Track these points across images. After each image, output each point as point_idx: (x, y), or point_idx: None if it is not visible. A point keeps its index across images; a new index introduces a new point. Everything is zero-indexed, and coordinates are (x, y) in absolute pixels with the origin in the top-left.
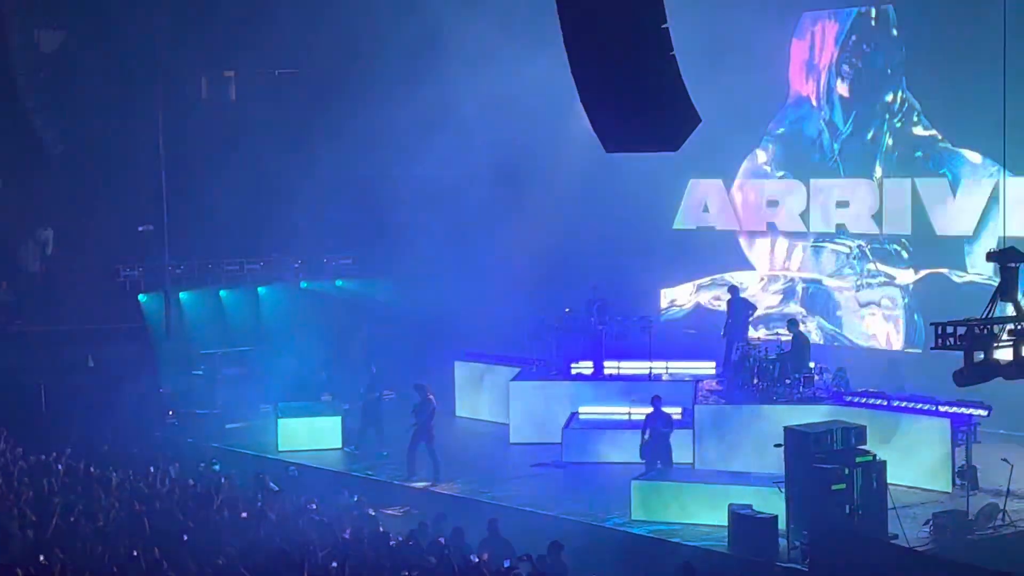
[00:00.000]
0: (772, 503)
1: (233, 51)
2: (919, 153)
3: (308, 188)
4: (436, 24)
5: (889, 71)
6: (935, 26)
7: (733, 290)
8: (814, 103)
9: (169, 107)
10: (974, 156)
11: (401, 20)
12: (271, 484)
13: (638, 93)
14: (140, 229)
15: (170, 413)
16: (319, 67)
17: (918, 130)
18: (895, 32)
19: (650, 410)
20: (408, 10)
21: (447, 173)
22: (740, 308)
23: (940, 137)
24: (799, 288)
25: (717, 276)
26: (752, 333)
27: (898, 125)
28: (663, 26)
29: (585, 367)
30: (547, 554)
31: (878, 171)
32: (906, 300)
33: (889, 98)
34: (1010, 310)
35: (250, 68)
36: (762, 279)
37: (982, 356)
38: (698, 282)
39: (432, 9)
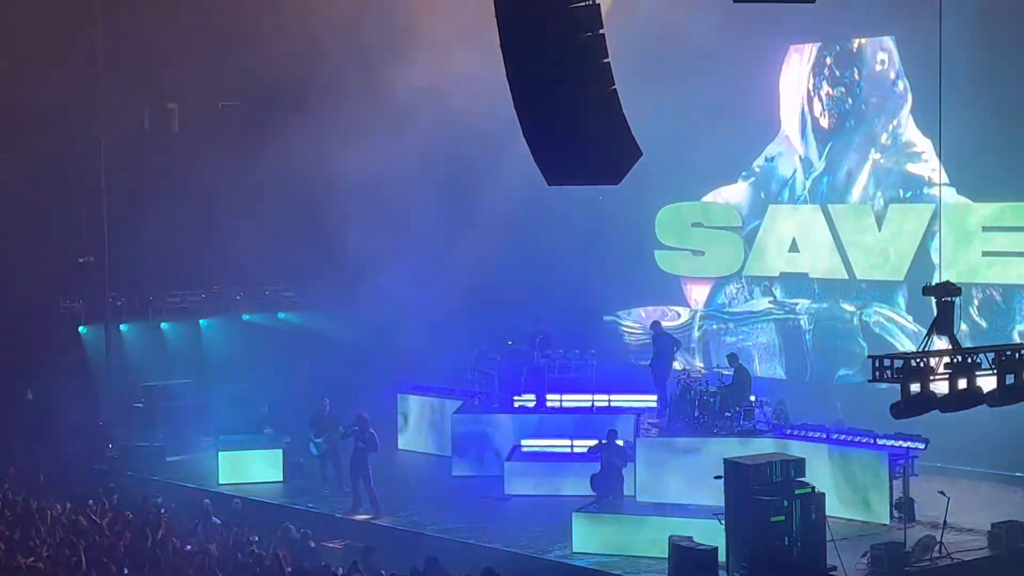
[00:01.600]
0: (712, 535)
1: (175, 83)
2: (909, 193)
3: (250, 220)
4: (379, 50)
5: (874, 99)
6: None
7: (656, 326)
8: (793, 140)
9: (111, 139)
10: (964, 202)
11: (343, 48)
12: (213, 518)
13: (580, 127)
14: (81, 260)
15: (110, 446)
16: (261, 99)
17: (915, 168)
18: (889, 63)
19: (604, 441)
20: (351, 36)
21: (392, 206)
22: (665, 343)
23: (933, 179)
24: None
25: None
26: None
27: (883, 161)
28: (604, 60)
29: (527, 400)
30: None
31: (851, 200)
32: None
33: (876, 130)
34: (933, 343)
35: (192, 100)
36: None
37: (919, 389)
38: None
39: (373, 35)
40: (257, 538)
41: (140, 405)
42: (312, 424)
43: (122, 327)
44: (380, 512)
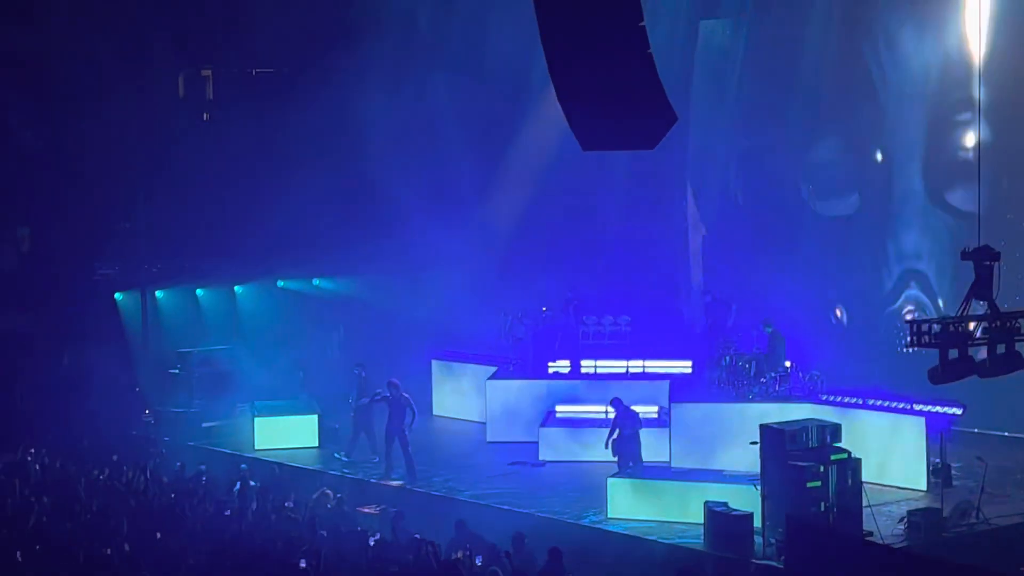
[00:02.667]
0: (748, 500)
1: (210, 49)
2: None
3: (285, 187)
4: (411, 20)
5: None
6: None
7: (709, 293)
8: None
9: (146, 105)
10: None
11: (378, 15)
12: (251, 482)
13: (615, 92)
14: (125, 225)
15: (146, 412)
16: (296, 65)
17: None
18: None
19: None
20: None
21: (427, 172)
22: (719, 312)
23: None
24: None
25: None
26: None
27: None
28: (640, 24)
29: (562, 366)
30: (512, 547)
31: None
32: None
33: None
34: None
35: (227, 67)
36: None
37: (957, 354)
38: None
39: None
40: (291, 504)
41: (176, 371)
42: (357, 395)
43: (157, 293)
44: (415, 479)
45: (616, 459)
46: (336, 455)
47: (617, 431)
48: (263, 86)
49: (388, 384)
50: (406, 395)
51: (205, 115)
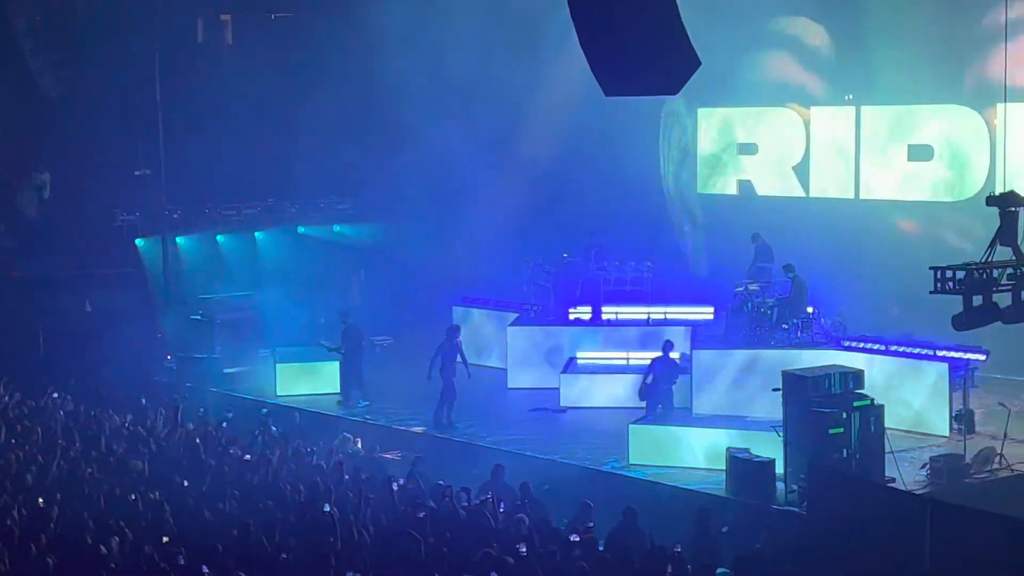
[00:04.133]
0: (770, 447)
1: None
2: None
3: (304, 132)
4: None
5: None
6: None
7: (757, 236)
8: None
9: (165, 51)
10: None
11: None
12: (272, 428)
13: (637, 36)
14: (137, 173)
15: (168, 358)
16: (315, 10)
17: None
18: None
19: (658, 354)
20: None
21: (443, 116)
22: (765, 252)
23: None
24: None
25: None
26: None
27: None
28: None
29: (583, 312)
30: (520, 495)
31: None
32: None
33: None
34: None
35: (246, 11)
36: None
37: (981, 300)
38: None
39: None
40: (313, 449)
41: (197, 317)
42: (340, 341)
43: (178, 240)
44: (441, 428)
45: (644, 404)
46: (361, 403)
47: (651, 377)
48: (282, 31)
49: (448, 328)
50: (459, 341)
51: (224, 60)
